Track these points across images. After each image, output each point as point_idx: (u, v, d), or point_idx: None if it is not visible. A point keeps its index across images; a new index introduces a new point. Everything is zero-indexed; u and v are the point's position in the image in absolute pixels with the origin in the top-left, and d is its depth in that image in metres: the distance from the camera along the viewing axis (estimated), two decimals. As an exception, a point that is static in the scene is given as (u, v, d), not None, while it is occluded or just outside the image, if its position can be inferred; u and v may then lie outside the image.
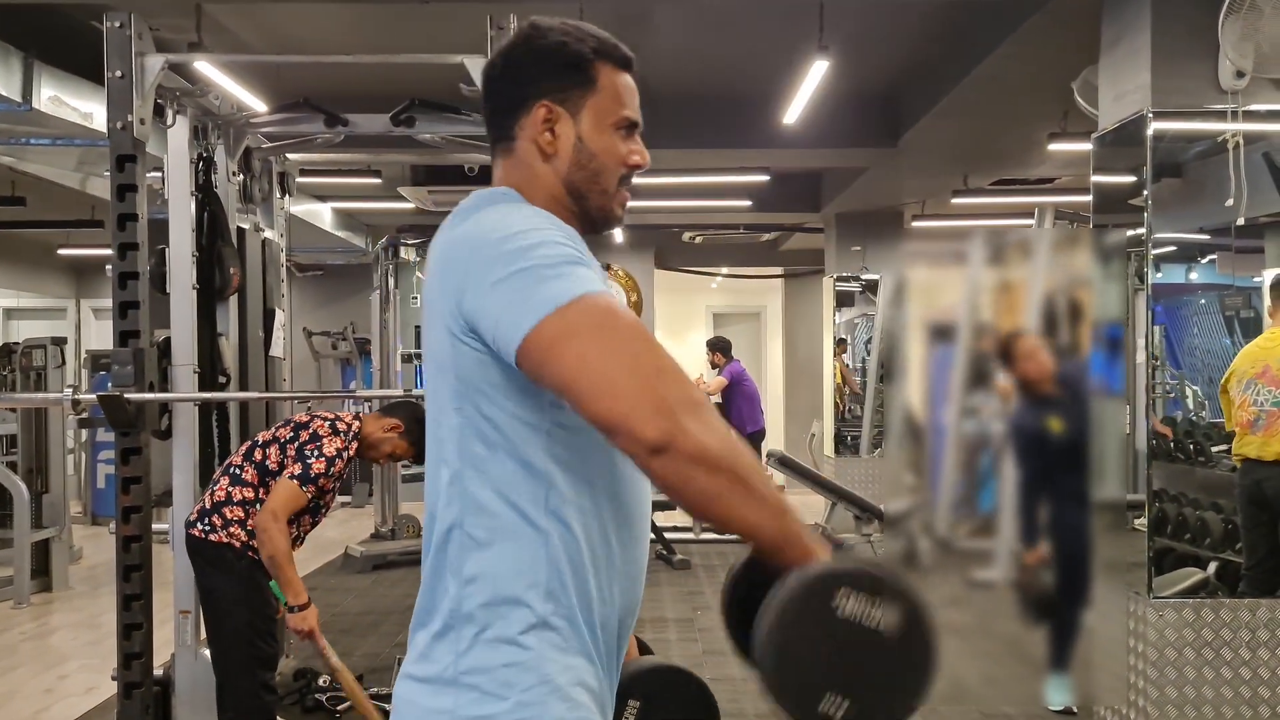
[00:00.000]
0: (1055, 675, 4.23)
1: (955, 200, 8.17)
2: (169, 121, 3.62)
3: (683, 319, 13.10)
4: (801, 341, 11.93)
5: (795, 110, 5.77)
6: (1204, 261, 4.19)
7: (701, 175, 7.74)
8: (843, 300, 9.96)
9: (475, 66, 3.50)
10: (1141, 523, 3.67)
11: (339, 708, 4.25)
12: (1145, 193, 3.59)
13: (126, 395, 3.22)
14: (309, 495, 3.19)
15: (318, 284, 11.47)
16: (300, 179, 6.19)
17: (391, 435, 3.45)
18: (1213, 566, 3.90)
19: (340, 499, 10.56)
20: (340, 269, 11.36)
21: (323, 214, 9.34)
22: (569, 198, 1.28)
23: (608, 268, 11.10)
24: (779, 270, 12.28)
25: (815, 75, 5.12)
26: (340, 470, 3.28)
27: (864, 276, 9.60)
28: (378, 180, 7.52)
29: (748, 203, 8.93)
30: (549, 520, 1.18)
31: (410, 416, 3.47)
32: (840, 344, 9.83)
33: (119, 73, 3.31)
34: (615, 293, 1.27)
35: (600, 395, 1.06)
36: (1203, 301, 4.36)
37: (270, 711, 3.33)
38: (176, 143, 3.68)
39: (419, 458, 3.41)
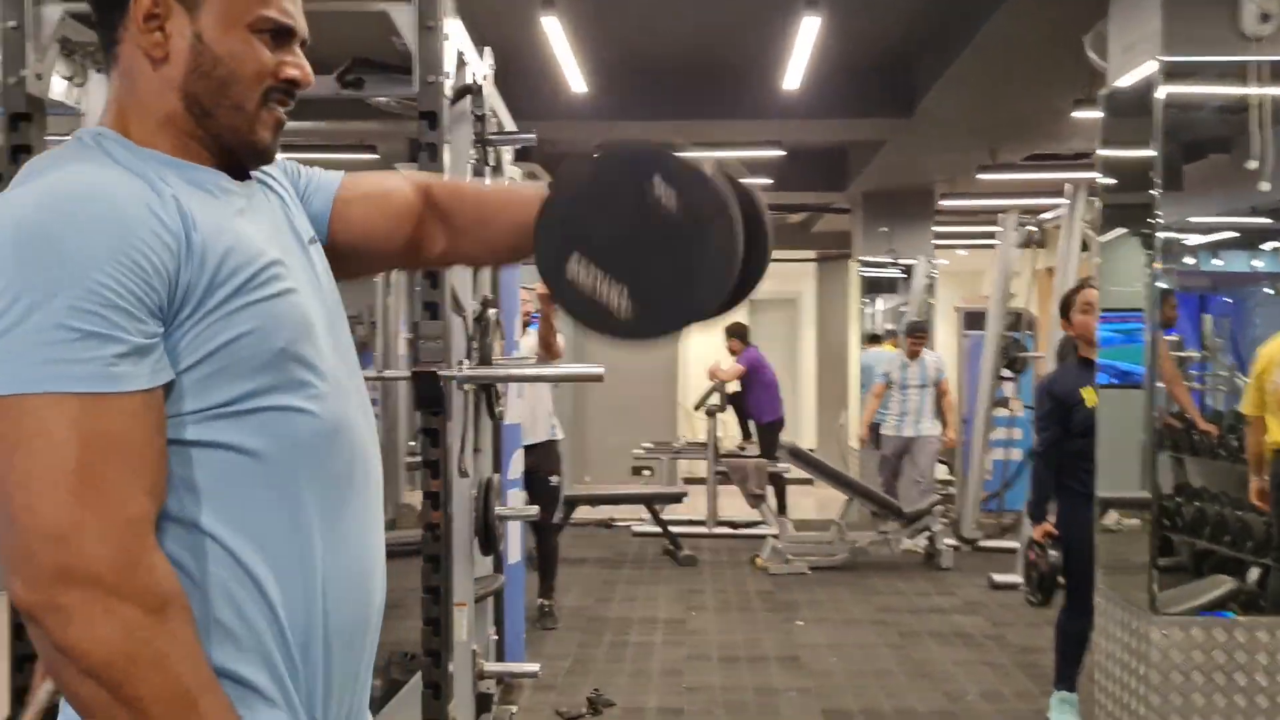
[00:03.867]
0: (1060, 693, 3.86)
1: (984, 177, 7.72)
2: (77, 79, 3.37)
3: (714, 305, 12.73)
4: (834, 328, 11.49)
5: (795, 74, 5.41)
6: (1269, 249, 3.81)
7: (709, 150, 7.39)
8: (879, 286, 9.49)
9: (401, 16, 3.19)
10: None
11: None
12: (1154, 154, 3.16)
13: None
14: None
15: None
16: (292, 155, 5.92)
17: None
18: (1254, 573, 3.48)
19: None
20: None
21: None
22: (189, 116, 1.01)
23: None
24: (812, 254, 11.85)
25: (808, 34, 4.76)
26: None
27: (900, 261, 9.10)
28: (375, 157, 7.29)
29: (768, 181, 8.57)
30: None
31: None
32: (891, 335, 9.17)
33: (12, 23, 3.07)
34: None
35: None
36: (1268, 291, 4.05)
37: None
38: (95, 102, 3.44)
39: None
